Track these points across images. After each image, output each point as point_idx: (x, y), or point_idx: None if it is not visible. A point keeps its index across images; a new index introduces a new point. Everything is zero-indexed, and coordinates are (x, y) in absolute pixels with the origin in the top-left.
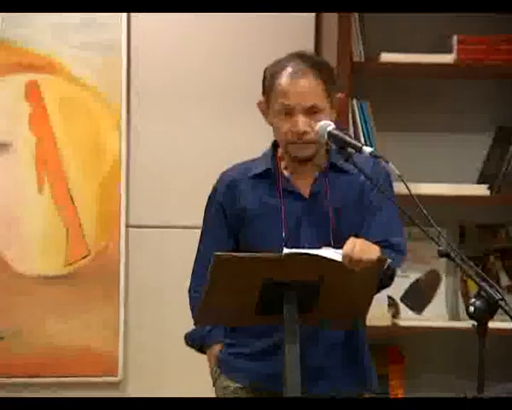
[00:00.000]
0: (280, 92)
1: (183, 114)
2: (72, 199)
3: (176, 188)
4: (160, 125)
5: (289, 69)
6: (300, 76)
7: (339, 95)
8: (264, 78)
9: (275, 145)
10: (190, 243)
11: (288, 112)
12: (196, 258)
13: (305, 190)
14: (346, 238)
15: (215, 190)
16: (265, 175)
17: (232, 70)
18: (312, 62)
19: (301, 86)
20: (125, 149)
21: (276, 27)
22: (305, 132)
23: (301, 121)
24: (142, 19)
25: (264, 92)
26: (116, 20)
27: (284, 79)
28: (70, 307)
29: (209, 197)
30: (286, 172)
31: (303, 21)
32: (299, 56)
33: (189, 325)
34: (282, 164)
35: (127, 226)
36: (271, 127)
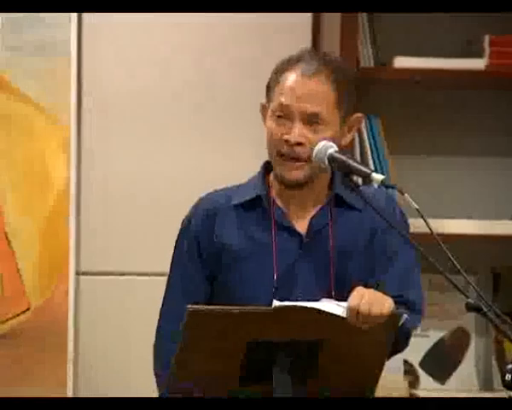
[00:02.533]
0: (281, 89)
1: (149, 134)
2: (8, 240)
3: (137, 227)
4: (119, 147)
5: (300, 65)
6: (311, 76)
7: (356, 116)
8: (271, 74)
9: (266, 167)
10: (154, 293)
11: (285, 115)
12: (162, 309)
13: (303, 226)
14: (351, 289)
15: (188, 220)
16: (254, 204)
17: (212, 79)
18: (330, 64)
19: (308, 88)
20: (75, 177)
21: (265, 26)
22: (298, 144)
23: (297, 129)
24: (96, 14)
25: (267, 90)
26: (64, 17)
27: (291, 74)
28: (7, 373)
29: (180, 231)
30: (280, 202)
31: (297, 18)
32: (317, 54)
33: (151, 392)
34: (274, 191)
35: (77, 273)
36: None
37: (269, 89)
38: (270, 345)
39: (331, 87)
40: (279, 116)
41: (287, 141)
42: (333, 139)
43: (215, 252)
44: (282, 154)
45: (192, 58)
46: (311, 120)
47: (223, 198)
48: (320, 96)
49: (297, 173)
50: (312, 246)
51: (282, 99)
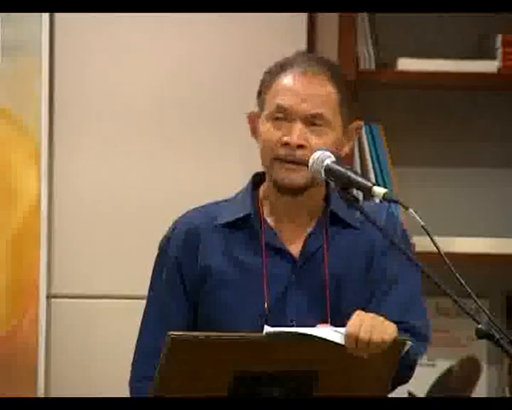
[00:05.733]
0: (278, 91)
1: (129, 145)
2: None
3: (113, 247)
4: (95, 159)
5: (298, 66)
6: (311, 75)
7: (357, 123)
8: (263, 79)
9: (255, 180)
10: (132, 317)
11: (284, 117)
12: (140, 339)
13: (296, 248)
14: (348, 316)
15: (167, 241)
16: (241, 223)
17: (199, 84)
18: (329, 66)
19: (311, 87)
20: (46, 191)
21: (255, 26)
22: (300, 147)
23: (299, 130)
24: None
25: (258, 96)
26: (35, 14)
27: (288, 75)
28: None
29: (158, 254)
30: (271, 221)
31: (291, 18)
32: (313, 56)
33: None
34: (265, 208)
35: (48, 297)
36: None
37: (261, 94)
38: (258, 378)
39: (334, 89)
40: (276, 118)
41: (286, 143)
42: (335, 146)
43: (198, 277)
44: (279, 157)
45: (176, 61)
46: (314, 121)
47: (205, 217)
48: (324, 97)
49: (297, 177)
50: (306, 271)
51: (280, 100)
